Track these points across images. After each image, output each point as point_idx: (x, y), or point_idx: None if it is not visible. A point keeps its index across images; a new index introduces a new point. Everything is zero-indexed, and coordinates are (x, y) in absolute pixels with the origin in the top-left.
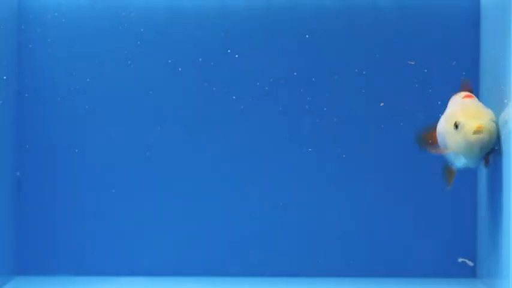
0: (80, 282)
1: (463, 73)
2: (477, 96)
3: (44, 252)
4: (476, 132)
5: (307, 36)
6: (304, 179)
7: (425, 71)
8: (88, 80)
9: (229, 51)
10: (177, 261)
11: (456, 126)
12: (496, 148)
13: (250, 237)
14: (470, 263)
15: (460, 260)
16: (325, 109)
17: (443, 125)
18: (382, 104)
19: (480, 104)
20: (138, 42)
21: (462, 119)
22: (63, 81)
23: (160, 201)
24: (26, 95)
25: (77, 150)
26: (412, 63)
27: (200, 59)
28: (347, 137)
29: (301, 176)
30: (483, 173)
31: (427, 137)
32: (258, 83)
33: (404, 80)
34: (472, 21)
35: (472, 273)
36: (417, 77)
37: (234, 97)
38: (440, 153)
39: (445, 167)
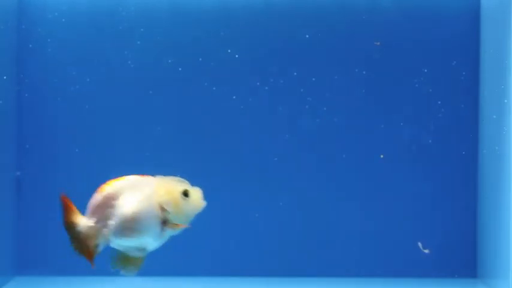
0: (80, 282)
1: (463, 73)
2: (477, 96)
3: (44, 252)
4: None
5: (307, 36)
6: (304, 178)
7: (425, 71)
8: (88, 80)
9: (229, 51)
10: (176, 261)
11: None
12: None
13: (251, 237)
14: (426, 251)
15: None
16: (325, 109)
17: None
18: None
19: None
20: (138, 42)
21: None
22: (63, 81)
23: None
24: (26, 95)
25: (77, 150)
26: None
27: (200, 59)
28: (347, 137)
29: (301, 175)
30: (483, 172)
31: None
32: (258, 83)
33: (404, 80)
34: (472, 21)
35: (472, 273)
36: (417, 77)
37: (234, 97)
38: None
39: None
